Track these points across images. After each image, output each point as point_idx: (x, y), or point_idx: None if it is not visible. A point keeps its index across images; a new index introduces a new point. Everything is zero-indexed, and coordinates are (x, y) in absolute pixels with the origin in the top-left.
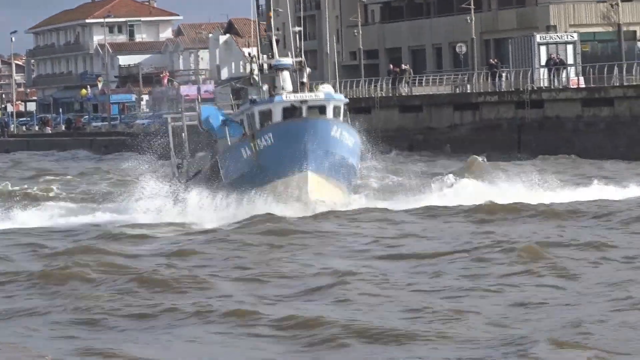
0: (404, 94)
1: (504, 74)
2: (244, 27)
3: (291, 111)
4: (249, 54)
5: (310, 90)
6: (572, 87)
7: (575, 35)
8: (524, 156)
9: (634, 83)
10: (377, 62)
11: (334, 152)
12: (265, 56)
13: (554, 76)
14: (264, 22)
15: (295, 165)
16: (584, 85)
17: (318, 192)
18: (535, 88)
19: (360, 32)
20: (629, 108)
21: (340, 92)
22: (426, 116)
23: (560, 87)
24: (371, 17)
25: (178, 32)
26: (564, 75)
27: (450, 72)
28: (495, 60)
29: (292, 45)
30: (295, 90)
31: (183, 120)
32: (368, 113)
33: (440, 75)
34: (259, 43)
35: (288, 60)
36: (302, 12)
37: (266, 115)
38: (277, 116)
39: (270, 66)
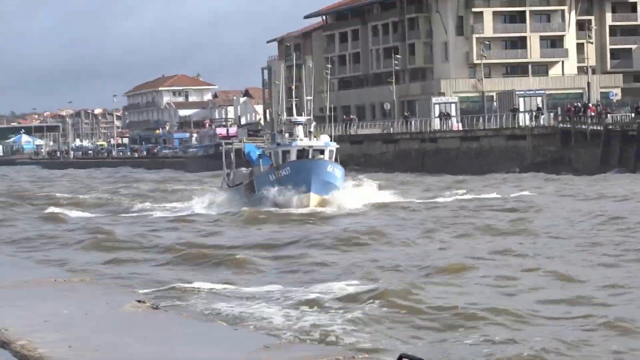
0: (352, 133)
1: (413, 122)
2: (255, 92)
3: (302, 152)
4: (277, 113)
5: (315, 136)
6: (454, 129)
7: (457, 98)
8: (426, 174)
9: (492, 127)
10: (336, 114)
11: (328, 181)
12: (285, 114)
13: (443, 123)
14: (267, 89)
15: (304, 188)
16: (462, 129)
17: (314, 204)
18: (432, 130)
19: (327, 95)
20: (489, 143)
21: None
22: (365, 147)
23: (447, 129)
24: (332, 86)
25: (215, 95)
26: (449, 122)
27: (381, 120)
28: (408, 113)
29: (305, 108)
30: (305, 136)
31: (232, 147)
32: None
33: (374, 122)
34: (282, 105)
35: (302, 119)
36: (293, 84)
37: (286, 153)
38: (293, 155)
39: (290, 121)
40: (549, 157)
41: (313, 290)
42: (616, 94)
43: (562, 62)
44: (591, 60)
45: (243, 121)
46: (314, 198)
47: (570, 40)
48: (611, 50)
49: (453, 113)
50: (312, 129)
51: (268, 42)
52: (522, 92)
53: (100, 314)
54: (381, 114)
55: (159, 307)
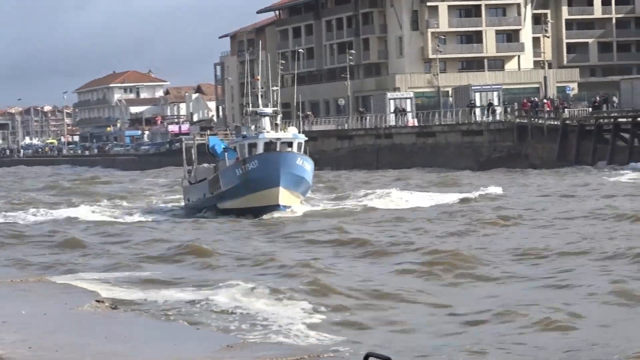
0: (306, 129)
1: (368, 117)
2: (207, 88)
3: (269, 145)
4: (242, 104)
5: (282, 129)
6: (410, 125)
7: (412, 94)
8: (381, 169)
9: (448, 122)
10: (290, 110)
11: (297, 174)
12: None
13: (398, 119)
14: (220, 85)
15: (272, 182)
16: (417, 124)
17: (285, 200)
18: (387, 126)
19: (295, 90)
20: (445, 138)
21: None
22: (320, 143)
23: (403, 125)
24: (286, 82)
25: (166, 92)
26: (405, 118)
27: (335, 116)
28: (363, 109)
29: (271, 99)
30: (272, 128)
31: (194, 143)
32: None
33: (328, 118)
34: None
35: (268, 110)
36: (244, 79)
37: (252, 146)
38: (260, 147)
39: (256, 112)
40: (506, 152)
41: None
42: (573, 89)
43: (518, 56)
44: (547, 54)
45: (195, 118)
46: (282, 193)
47: (526, 34)
48: (567, 44)
49: (408, 108)
50: (278, 121)
51: (220, 37)
52: (479, 87)
53: (60, 314)
54: (335, 110)
55: (118, 307)
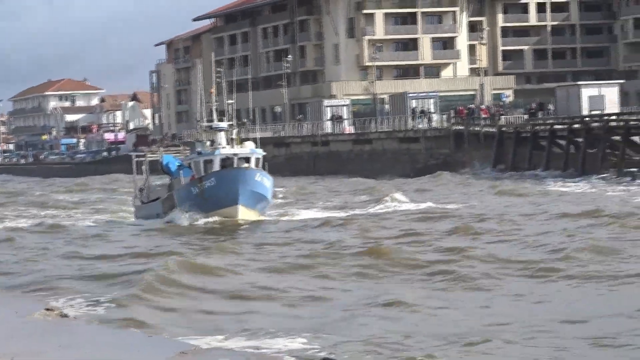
0: (243, 137)
1: (305, 125)
2: (143, 96)
3: (226, 161)
4: (196, 119)
5: (237, 143)
6: (346, 132)
7: (348, 101)
8: (318, 176)
9: (384, 130)
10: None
11: (256, 192)
12: (206, 120)
13: (335, 126)
14: (156, 93)
15: (231, 200)
16: (354, 131)
17: (243, 217)
18: (324, 133)
19: (250, 97)
20: (382, 145)
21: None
22: None
23: (339, 132)
24: (221, 89)
25: (102, 100)
26: (341, 125)
27: (272, 123)
28: (301, 116)
29: (227, 113)
30: (228, 143)
31: (146, 159)
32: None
33: (265, 125)
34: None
35: (224, 124)
36: (180, 87)
37: (208, 163)
38: (217, 164)
39: (211, 127)
40: (442, 159)
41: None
42: (508, 96)
43: (454, 63)
44: (483, 61)
45: (131, 126)
46: (242, 211)
47: (462, 41)
48: (503, 51)
49: (345, 116)
50: (234, 136)
51: (156, 45)
52: (415, 94)
53: (10, 322)
54: (272, 117)
55: (68, 315)
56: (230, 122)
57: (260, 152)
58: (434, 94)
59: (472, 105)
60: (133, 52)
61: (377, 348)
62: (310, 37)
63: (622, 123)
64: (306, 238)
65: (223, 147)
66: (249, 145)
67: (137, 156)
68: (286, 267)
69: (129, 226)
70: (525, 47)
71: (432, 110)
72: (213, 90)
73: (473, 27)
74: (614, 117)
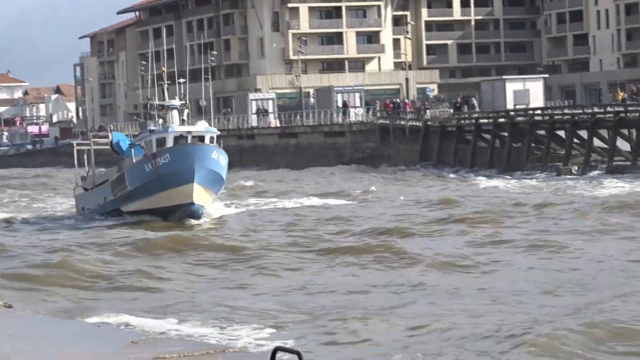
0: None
1: (230, 118)
2: (67, 89)
3: (179, 139)
4: (147, 97)
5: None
6: (272, 126)
7: (274, 94)
8: (246, 169)
9: (310, 124)
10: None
11: (212, 170)
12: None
13: (261, 119)
14: (79, 86)
15: (186, 178)
16: (279, 125)
17: (199, 198)
18: (250, 127)
19: (140, 92)
20: (307, 139)
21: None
22: None
23: (265, 126)
24: (146, 83)
25: (25, 93)
26: (267, 119)
27: (197, 117)
28: (227, 109)
29: (178, 92)
30: (181, 124)
31: (91, 146)
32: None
33: (190, 119)
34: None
35: (176, 102)
36: (104, 80)
37: (161, 141)
38: (170, 142)
39: (162, 106)
40: (368, 153)
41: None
42: (433, 90)
43: (379, 57)
44: (408, 56)
45: (55, 119)
46: (197, 189)
47: (387, 36)
48: (427, 45)
49: (270, 109)
50: (185, 116)
51: (80, 38)
52: (341, 88)
53: None
54: (196, 110)
55: (13, 306)
56: (183, 102)
57: (214, 131)
58: (359, 87)
59: (398, 100)
60: (57, 45)
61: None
62: (235, 30)
63: (546, 117)
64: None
65: (176, 125)
66: (203, 124)
67: (78, 144)
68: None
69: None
70: (449, 42)
71: (358, 104)
72: (164, 68)
73: (397, 22)
74: (538, 112)
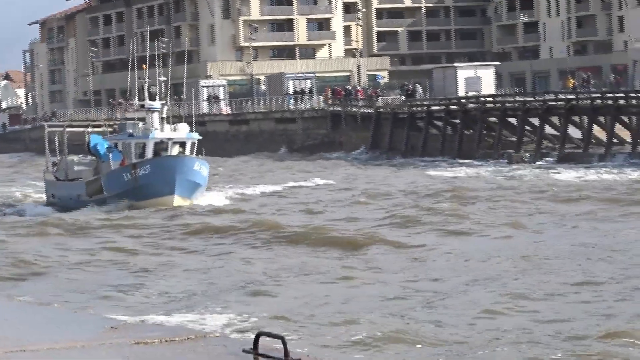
0: (119, 116)
1: (181, 105)
2: (16, 76)
3: (160, 145)
4: (127, 97)
5: (168, 122)
6: (223, 113)
7: (225, 81)
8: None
9: (261, 110)
10: (100, 98)
11: (194, 181)
12: (137, 98)
13: (212, 106)
14: (29, 73)
15: (166, 189)
16: (230, 112)
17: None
18: (200, 114)
19: (91, 79)
20: (259, 126)
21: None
22: None
23: (216, 113)
24: (97, 70)
25: None
26: (218, 106)
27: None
28: (180, 96)
29: (158, 91)
30: (160, 123)
31: (64, 132)
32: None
33: (129, 102)
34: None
35: (157, 104)
36: (54, 67)
37: (141, 147)
38: (150, 148)
39: (143, 107)
40: (320, 140)
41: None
42: (383, 77)
43: (330, 44)
44: (358, 42)
45: (4, 105)
46: (177, 201)
47: (337, 22)
48: (378, 32)
49: (221, 96)
50: (164, 115)
51: (30, 24)
52: (292, 75)
53: None
54: (147, 97)
55: None
56: (163, 102)
57: (195, 136)
58: (310, 74)
59: (349, 87)
60: (6, 32)
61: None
62: (186, 17)
63: (498, 104)
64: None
65: (156, 129)
66: (184, 129)
67: (50, 126)
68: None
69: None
70: (399, 29)
71: (309, 90)
72: (145, 66)
73: (348, 8)
74: (490, 99)
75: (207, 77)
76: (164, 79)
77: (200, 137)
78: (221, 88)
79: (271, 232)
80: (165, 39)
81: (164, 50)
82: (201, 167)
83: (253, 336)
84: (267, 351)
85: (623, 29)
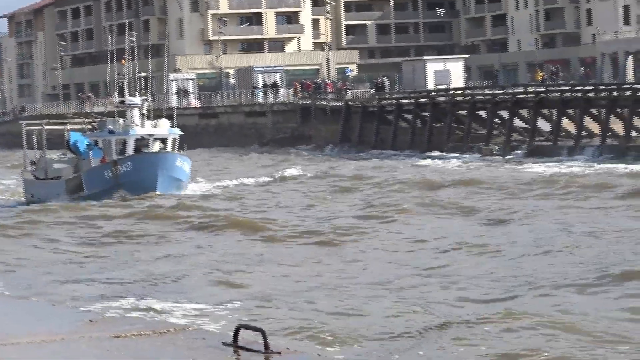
0: (88, 110)
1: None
2: None
3: (141, 141)
4: (107, 93)
5: (149, 118)
6: (192, 106)
7: (194, 75)
8: None
9: (231, 104)
10: (69, 91)
11: (176, 177)
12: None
13: (181, 100)
14: None
15: (148, 186)
16: (200, 105)
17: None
18: (169, 107)
19: (60, 73)
20: (228, 119)
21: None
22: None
23: (185, 106)
24: (65, 64)
25: None
26: (187, 99)
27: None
28: (149, 89)
29: (138, 87)
30: (141, 119)
31: (42, 130)
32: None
33: (108, 99)
34: None
35: (137, 100)
36: (22, 61)
37: (121, 143)
38: (131, 145)
39: (123, 102)
40: (289, 133)
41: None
42: (352, 70)
43: (298, 38)
44: (327, 36)
45: None
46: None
47: (306, 16)
48: (346, 26)
49: (191, 90)
50: (145, 111)
51: None
52: (261, 69)
53: None
54: (117, 90)
55: None
56: (144, 97)
57: (177, 132)
58: (280, 68)
59: (319, 80)
60: None
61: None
62: (154, 11)
63: (467, 97)
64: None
65: (137, 125)
66: (165, 124)
67: (28, 124)
68: None
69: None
70: (368, 22)
71: (279, 84)
72: (125, 61)
73: (316, 2)
74: (459, 92)
75: (176, 70)
76: (144, 74)
77: (182, 133)
78: (190, 82)
79: (234, 225)
80: (134, 33)
81: (132, 44)
82: (183, 163)
83: (233, 329)
84: (247, 344)
85: (591, 21)
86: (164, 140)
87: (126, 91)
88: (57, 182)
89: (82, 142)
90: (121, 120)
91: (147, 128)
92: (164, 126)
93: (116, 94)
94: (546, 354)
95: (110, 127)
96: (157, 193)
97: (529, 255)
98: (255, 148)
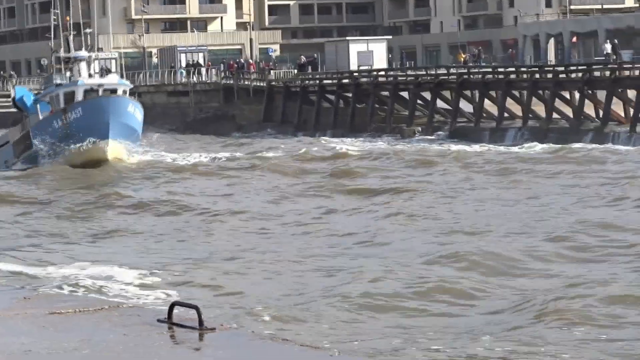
0: (10, 90)
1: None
2: None
3: (90, 92)
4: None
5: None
6: None
7: (116, 54)
8: None
9: (153, 83)
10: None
11: (127, 124)
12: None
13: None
14: None
15: (100, 133)
16: None
17: (113, 153)
18: None
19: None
20: (151, 99)
21: None
22: None
23: None
24: None
25: None
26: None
27: (38, 76)
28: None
29: (85, 42)
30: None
31: None
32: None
33: (30, 78)
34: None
35: (84, 53)
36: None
37: (70, 95)
38: (79, 96)
39: (69, 58)
40: (212, 113)
41: None
42: (275, 50)
43: (221, 17)
44: (250, 16)
45: None
46: (112, 146)
47: None
48: (269, 6)
49: (113, 69)
50: (93, 71)
51: None
52: (184, 48)
53: None
54: (38, 69)
55: None
56: (91, 54)
57: (127, 84)
58: (203, 48)
59: (241, 60)
60: None
61: None
62: None
63: (390, 79)
64: None
65: (84, 78)
66: (114, 77)
67: None
68: None
69: None
70: (291, 2)
71: (202, 63)
72: (69, 17)
73: None
74: (382, 73)
75: (99, 49)
76: (90, 30)
77: (132, 86)
78: (113, 61)
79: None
80: (56, 11)
81: (55, 22)
82: (135, 110)
83: (167, 306)
84: (182, 321)
85: (513, 4)
86: (114, 92)
87: (71, 46)
88: (3, 149)
89: (29, 97)
90: (68, 74)
91: (96, 79)
92: (113, 78)
93: (61, 50)
94: None
95: (58, 80)
96: (109, 142)
97: None
98: (179, 128)
